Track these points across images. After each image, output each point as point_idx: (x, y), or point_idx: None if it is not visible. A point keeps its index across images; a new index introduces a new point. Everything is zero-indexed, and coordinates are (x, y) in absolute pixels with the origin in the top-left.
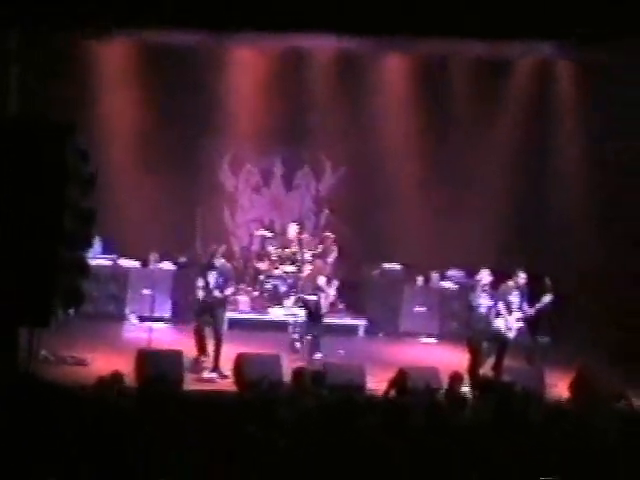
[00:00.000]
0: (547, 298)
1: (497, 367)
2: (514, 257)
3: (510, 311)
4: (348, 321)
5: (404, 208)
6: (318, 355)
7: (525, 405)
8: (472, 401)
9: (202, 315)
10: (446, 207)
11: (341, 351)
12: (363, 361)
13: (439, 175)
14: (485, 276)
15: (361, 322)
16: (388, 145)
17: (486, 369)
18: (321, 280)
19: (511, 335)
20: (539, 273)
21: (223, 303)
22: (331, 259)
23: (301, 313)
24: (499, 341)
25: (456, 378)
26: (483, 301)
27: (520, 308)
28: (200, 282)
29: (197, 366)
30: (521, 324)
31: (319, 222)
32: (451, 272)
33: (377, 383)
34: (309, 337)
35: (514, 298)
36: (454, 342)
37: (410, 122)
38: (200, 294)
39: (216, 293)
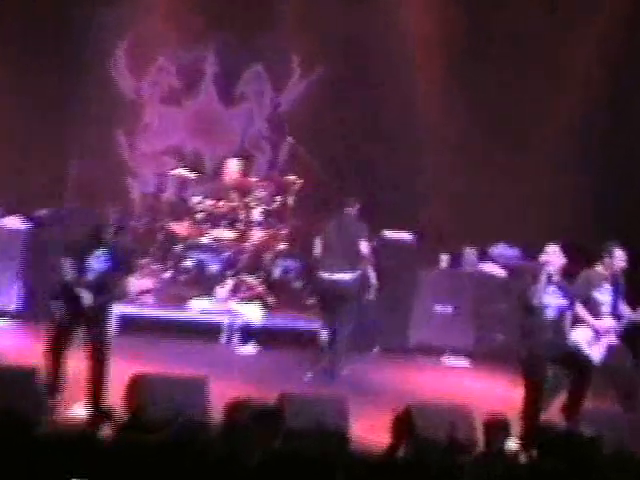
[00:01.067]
0: None
1: (571, 409)
2: (600, 228)
3: (597, 316)
4: (316, 327)
5: (419, 142)
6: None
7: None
8: (525, 467)
9: (72, 322)
10: (489, 146)
11: (309, 374)
12: (345, 392)
13: (479, 95)
14: (554, 256)
15: None
16: (396, 44)
17: (552, 412)
18: (363, 245)
19: (597, 357)
20: None
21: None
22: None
23: (245, 309)
24: (576, 366)
25: (498, 425)
26: (551, 298)
27: (614, 311)
28: (68, 268)
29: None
30: (615, 339)
31: (277, 157)
32: (497, 249)
33: (367, 430)
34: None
35: (604, 295)
36: (498, 365)
37: (437, 14)
38: (68, 289)
39: (99, 291)
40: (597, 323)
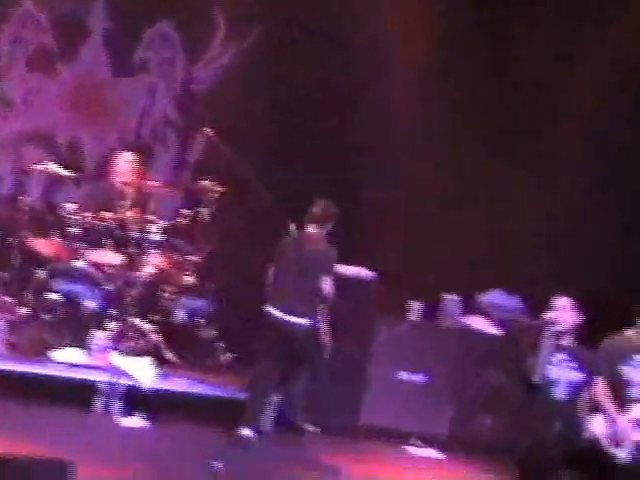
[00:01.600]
0: None
1: None
2: (632, 279)
3: (625, 401)
4: (234, 394)
5: (387, 141)
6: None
7: None
8: None
9: None
10: (486, 158)
11: (218, 464)
12: None
13: (468, 87)
14: (565, 313)
15: None
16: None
17: None
18: (326, 284)
19: (623, 454)
20: None
21: None
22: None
23: (132, 366)
24: (595, 469)
25: None
26: (561, 371)
27: None
28: None
29: None
30: None
31: (188, 153)
32: (490, 297)
33: None
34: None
35: (636, 372)
36: (483, 459)
37: None
38: None
39: None
40: (625, 410)
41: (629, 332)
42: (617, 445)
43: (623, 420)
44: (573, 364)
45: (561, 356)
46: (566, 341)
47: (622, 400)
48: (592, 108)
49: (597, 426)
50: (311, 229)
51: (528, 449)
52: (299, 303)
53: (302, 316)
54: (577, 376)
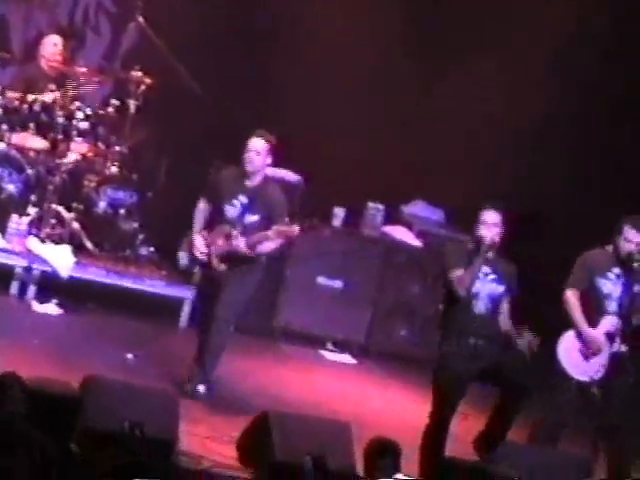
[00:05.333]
0: None
1: (493, 436)
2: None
3: (601, 314)
4: (151, 287)
5: (326, 48)
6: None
7: None
8: None
9: None
10: (414, 64)
11: (129, 355)
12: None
13: None
14: (496, 227)
15: (187, 294)
16: None
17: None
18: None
19: (592, 373)
20: None
21: None
22: None
23: (50, 252)
24: (508, 384)
25: (385, 451)
26: (484, 284)
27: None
28: None
29: None
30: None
31: (119, 42)
32: (413, 208)
33: (203, 440)
34: None
35: (613, 287)
36: (396, 368)
37: None
38: None
39: None
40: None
41: (609, 247)
42: (592, 355)
43: (595, 332)
44: (496, 276)
45: (486, 269)
46: (490, 253)
47: (599, 313)
48: None
49: (566, 342)
50: None
51: (443, 359)
52: None
53: None
54: (499, 288)
